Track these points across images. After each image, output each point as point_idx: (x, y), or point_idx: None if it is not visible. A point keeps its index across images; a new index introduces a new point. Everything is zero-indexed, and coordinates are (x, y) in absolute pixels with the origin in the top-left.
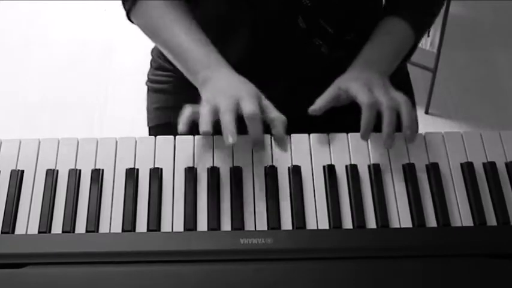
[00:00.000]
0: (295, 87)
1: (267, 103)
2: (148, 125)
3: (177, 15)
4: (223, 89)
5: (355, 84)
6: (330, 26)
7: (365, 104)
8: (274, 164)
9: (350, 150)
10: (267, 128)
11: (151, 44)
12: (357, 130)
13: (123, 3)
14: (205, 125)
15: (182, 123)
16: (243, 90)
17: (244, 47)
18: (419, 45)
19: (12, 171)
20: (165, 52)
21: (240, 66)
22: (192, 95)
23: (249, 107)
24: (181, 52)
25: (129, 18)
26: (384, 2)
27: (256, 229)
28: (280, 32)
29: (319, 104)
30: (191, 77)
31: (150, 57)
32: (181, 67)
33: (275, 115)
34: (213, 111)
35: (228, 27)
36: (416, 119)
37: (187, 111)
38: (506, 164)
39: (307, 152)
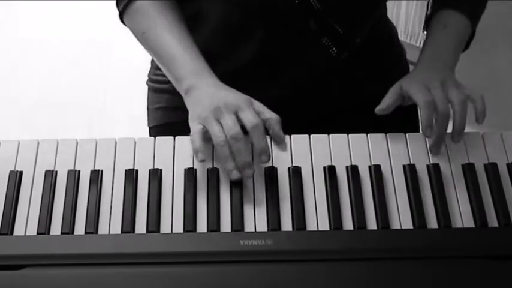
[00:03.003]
0: (300, 87)
1: (259, 105)
2: (148, 125)
3: (167, 22)
4: (217, 100)
5: (414, 85)
6: (340, 27)
7: (421, 104)
8: (274, 164)
9: (350, 151)
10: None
11: None
12: (357, 131)
13: (117, 5)
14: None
15: (201, 153)
16: (240, 101)
17: (255, 49)
18: (418, 45)
19: (10, 172)
20: (153, 56)
21: (248, 67)
22: None
23: (250, 119)
24: (169, 59)
25: (121, 20)
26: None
27: (256, 230)
28: (291, 34)
29: (387, 102)
30: (176, 84)
31: (150, 57)
32: (168, 73)
33: (270, 116)
34: (218, 130)
35: (240, 32)
36: (483, 114)
37: (196, 138)
38: (508, 165)
39: (307, 153)
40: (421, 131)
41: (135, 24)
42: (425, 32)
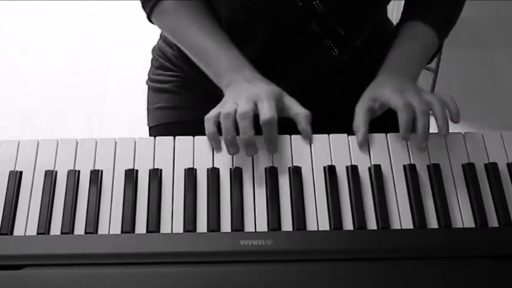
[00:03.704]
0: (301, 88)
1: (289, 100)
2: (148, 124)
3: (196, 18)
4: (243, 92)
5: (387, 90)
6: (342, 29)
7: (400, 106)
8: (274, 164)
9: (351, 151)
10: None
11: (151, 44)
12: None
13: (143, 7)
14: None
15: (214, 141)
16: (263, 91)
17: (256, 49)
18: None
19: (10, 172)
20: (187, 53)
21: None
22: (193, 95)
23: (265, 111)
24: (204, 55)
25: (150, 21)
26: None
27: (256, 230)
28: (293, 35)
29: (359, 126)
30: (215, 79)
31: (150, 57)
32: (205, 69)
33: (298, 110)
34: (231, 117)
35: (243, 32)
36: (456, 113)
37: (209, 128)
38: (508, 165)
39: (307, 153)
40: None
41: (164, 25)
42: None
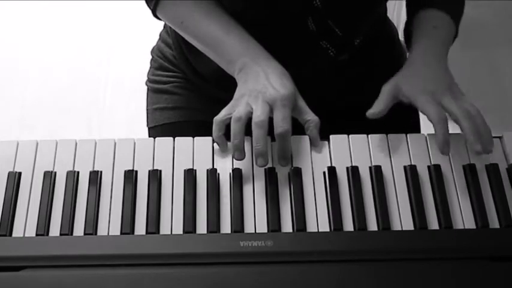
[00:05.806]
0: (300, 88)
1: (302, 105)
2: (147, 125)
3: (203, 7)
4: (259, 92)
5: (423, 97)
6: (339, 28)
7: (435, 121)
8: (274, 165)
9: (351, 151)
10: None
11: (151, 44)
12: (357, 132)
13: (147, 3)
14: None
15: (221, 145)
16: (279, 96)
17: None
18: None
19: (9, 173)
20: (197, 45)
21: None
22: (193, 95)
23: (280, 123)
24: (215, 44)
25: (155, 16)
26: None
27: (256, 231)
28: (290, 32)
29: (380, 107)
30: (228, 67)
31: (149, 58)
32: (217, 59)
33: (310, 117)
34: (244, 115)
35: (242, 25)
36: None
37: (218, 122)
38: (509, 166)
39: (307, 154)
40: (422, 131)
41: (170, 16)
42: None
